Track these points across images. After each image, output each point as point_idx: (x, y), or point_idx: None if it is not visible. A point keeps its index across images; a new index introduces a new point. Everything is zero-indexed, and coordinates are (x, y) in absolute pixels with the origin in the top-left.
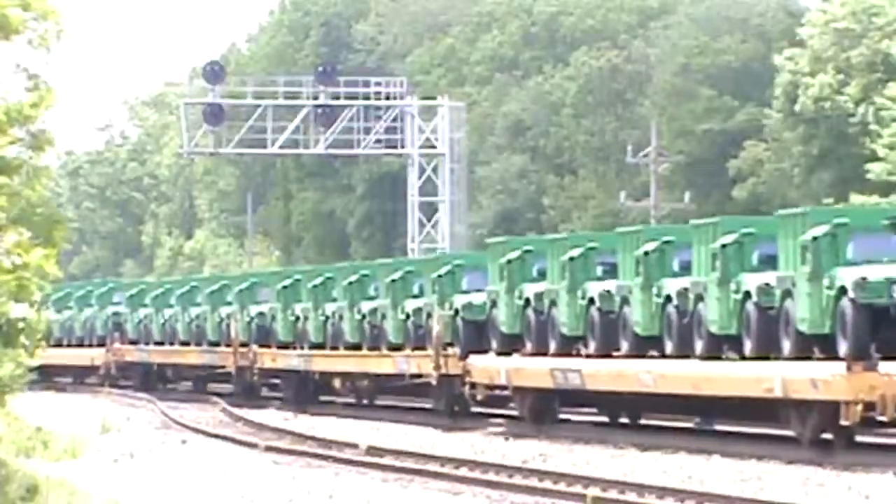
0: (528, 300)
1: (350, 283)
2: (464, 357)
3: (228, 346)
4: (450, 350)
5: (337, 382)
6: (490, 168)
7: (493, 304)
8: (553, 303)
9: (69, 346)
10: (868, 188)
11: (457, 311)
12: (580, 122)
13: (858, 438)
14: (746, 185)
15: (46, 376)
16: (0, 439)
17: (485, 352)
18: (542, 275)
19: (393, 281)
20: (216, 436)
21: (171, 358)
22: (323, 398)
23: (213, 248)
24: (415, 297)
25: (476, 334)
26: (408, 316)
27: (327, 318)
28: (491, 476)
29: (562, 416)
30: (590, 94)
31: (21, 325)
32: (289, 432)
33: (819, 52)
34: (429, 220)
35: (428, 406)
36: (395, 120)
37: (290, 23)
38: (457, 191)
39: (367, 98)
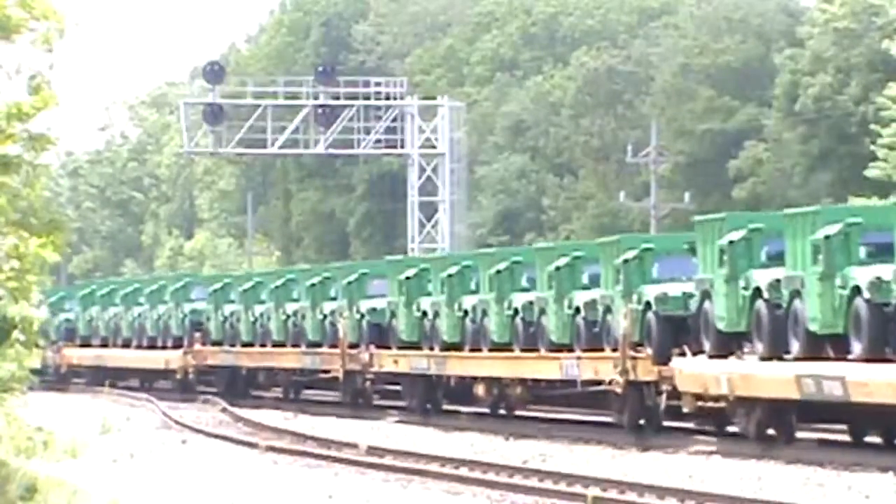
0: (757, 291)
1: (497, 272)
2: (661, 360)
3: (334, 346)
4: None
5: (480, 389)
6: (490, 168)
7: (706, 295)
8: (796, 293)
9: (139, 346)
10: (868, 188)
11: (648, 305)
12: (580, 122)
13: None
14: (746, 185)
15: (110, 378)
16: (0, 439)
17: (677, 354)
18: (776, 259)
19: (557, 269)
20: (216, 436)
21: (263, 361)
22: (447, 408)
23: (213, 249)
24: (585, 287)
25: (674, 333)
26: (577, 310)
27: (465, 313)
28: (491, 476)
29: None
30: (589, 94)
31: (18, 323)
32: (289, 432)
33: (819, 52)
34: (429, 220)
35: (599, 419)
36: (395, 120)
37: (290, 23)
38: (457, 191)
39: (367, 98)
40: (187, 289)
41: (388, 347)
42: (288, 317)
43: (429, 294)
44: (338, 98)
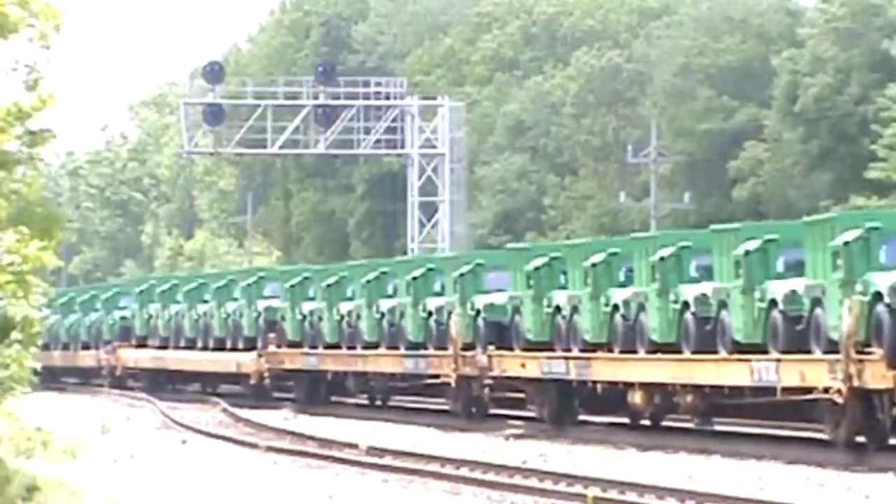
0: None
1: (661, 260)
2: None
3: (441, 348)
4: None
5: (637, 397)
6: (490, 168)
7: None
8: None
9: (204, 348)
10: (868, 189)
11: (878, 296)
12: (580, 121)
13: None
14: (746, 185)
15: (170, 382)
16: (0, 439)
17: None
18: None
19: (746, 253)
20: (216, 436)
21: (354, 364)
22: (581, 418)
23: (213, 248)
24: (779, 276)
25: None
26: (772, 303)
27: (614, 307)
28: (491, 476)
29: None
30: (590, 93)
31: (18, 322)
32: (289, 432)
33: (819, 53)
34: (429, 220)
35: (796, 433)
36: (395, 120)
37: (290, 23)
38: (457, 191)
39: (367, 98)
40: (260, 284)
41: (509, 349)
42: (382, 315)
43: (563, 287)
44: (338, 98)
